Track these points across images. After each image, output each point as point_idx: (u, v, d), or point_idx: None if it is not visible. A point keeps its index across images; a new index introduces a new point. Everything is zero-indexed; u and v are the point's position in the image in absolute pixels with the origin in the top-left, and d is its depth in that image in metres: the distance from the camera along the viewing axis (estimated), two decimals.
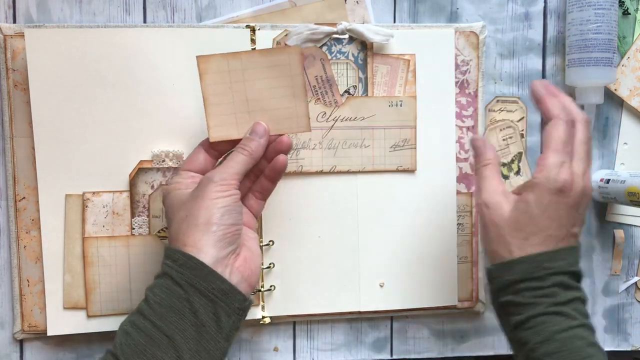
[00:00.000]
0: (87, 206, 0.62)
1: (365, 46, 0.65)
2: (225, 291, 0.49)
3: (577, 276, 0.54)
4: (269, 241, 0.65)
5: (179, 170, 0.56)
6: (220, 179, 0.52)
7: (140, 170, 0.63)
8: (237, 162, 0.54)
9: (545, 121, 0.56)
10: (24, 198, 0.63)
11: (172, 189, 0.55)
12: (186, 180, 0.55)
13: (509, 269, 0.53)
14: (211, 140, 0.56)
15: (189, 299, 0.48)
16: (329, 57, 0.65)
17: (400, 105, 0.66)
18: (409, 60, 0.66)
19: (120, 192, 0.63)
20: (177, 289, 0.49)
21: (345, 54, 0.65)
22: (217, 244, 0.50)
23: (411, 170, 0.67)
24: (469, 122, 0.68)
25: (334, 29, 0.65)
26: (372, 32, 0.64)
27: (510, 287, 0.53)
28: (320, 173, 0.66)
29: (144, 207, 0.63)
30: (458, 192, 0.68)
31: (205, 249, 0.50)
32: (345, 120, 0.65)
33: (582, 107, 0.69)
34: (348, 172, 0.66)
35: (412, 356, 0.70)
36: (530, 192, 0.53)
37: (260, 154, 0.56)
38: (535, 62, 0.70)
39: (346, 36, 0.65)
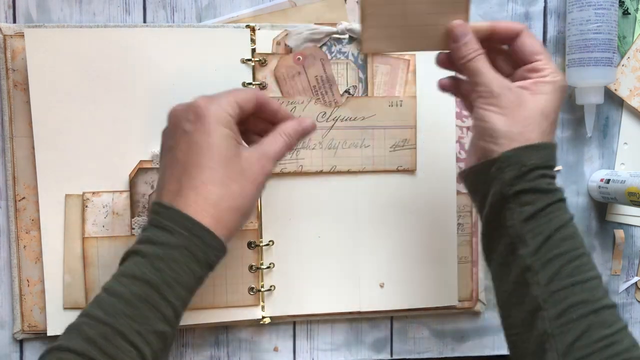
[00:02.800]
0: (87, 206, 0.62)
1: None
2: (223, 256, 0.50)
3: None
4: (269, 241, 0.65)
5: (231, 98, 0.51)
6: (273, 164, 0.51)
7: (140, 170, 0.63)
8: (281, 149, 0.53)
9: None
10: (24, 198, 0.63)
11: (223, 119, 0.50)
12: (235, 112, 0.51)
13: (533, 153, 0.50)
14: (363, 52, 0.57)
15: (202, 277, 0.49)
16: (329, 57, 0.65)
17: (400, 105, 0.66)
18: (409, 60, 0.66)
19: (120, 192, 0.63)
20: (196, 268, 0.48)
21: (345, 54, 0.65)
22: (236, 231, 0.51)
23: (411, 171, 0.67)
24: (469, 122, 0.68)
25: (334, 29, 0.65)
26: None
27: (530, 173, 0.49)
28: (321, 173, 0.66)
29: (144, 207, 0.63)
30: (458, 192, 0.68)
31: (228, 232, 0.49)
32: (346, 120, 0.65)
33: (582, 107, 0.69)
34: (348, 172, 0.66)
35: (412, 356, 0.70)
36: (540, 84, 0.51)
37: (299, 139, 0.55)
38: None
39: (346, 36, 0.65)
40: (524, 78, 0.53)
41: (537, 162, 0.50)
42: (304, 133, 0.55)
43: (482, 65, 0.52)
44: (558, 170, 0.70)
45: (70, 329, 0.46)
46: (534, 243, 0.49)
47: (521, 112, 0.50)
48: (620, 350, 0.46)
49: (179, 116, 0.50)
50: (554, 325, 0.47)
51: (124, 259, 0.48)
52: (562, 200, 0.50)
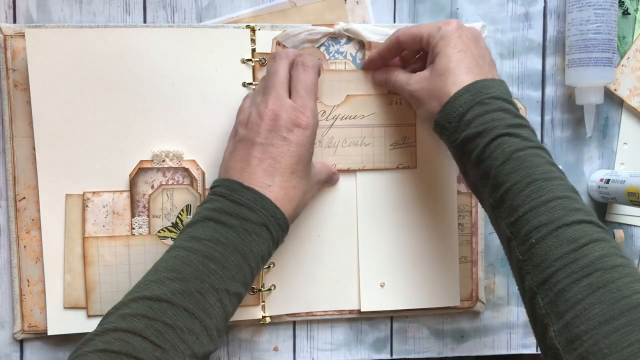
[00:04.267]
0: (87, 206, 0.62)
1: (363, 46, 0.66)
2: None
3: (516, 108, 0.55)
4: None
5: (314, 107, 0.58)
6: (312, 127, 0.58)
7: (140, 170, 0.63)
8: (324, 178, 0.65)
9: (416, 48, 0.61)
10: (24, 198, 0.63)
11: (314, 138, 0.59)
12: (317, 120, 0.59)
13: (453, 105, 0.54)
14: None
15: (271, 254, 0.56)
16: (327, 57, 0.65)
17: (400, 104, 0.66)
18: None
19: (121, 192, 0.63)
20: (271, 245, 0.55)
21: (344, 54, 0.65)
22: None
23: (411, 168, 0.67)
24: None
25: (331, 30, 0.65)
26: (369, 31, 0.65)
27: (461, 122, 0.53)
28: None
29: (144, 207, 0.63)
30: (458, 192, 0.68)
31: (291, 221, 0.57)
32: (345, 118, 0.65)
33: (582, 107, 0.69)
34: (348, 171, 0.66)
35: (412, 356, 0.70)
36: (436, 48, 0.57)
37: None
38: (535, 62, 0.70)
39: (344, 36, 0.65)
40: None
41: (458, 110, 0.54)
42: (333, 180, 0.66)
43: (399, 79, 0.61)
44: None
45: (156, 271, 0.50)
46: (488, 186, 0.52)
47: (433, 84, 0.56)
48: (587, 263, 0.45)
49: (283, 119, 0.55)
50: (521, 251, 0.48)
51: (191, 223, 0.53)
52: (502, 135, 0.52)
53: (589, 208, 0.49)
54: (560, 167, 0.52)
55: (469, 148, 0.53)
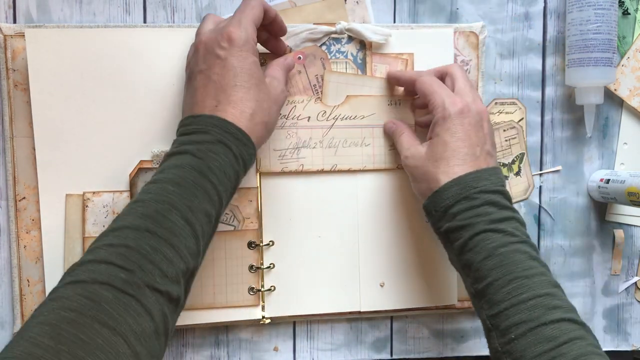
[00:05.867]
0: (87, 206, 0.62)
1: (364, 45, 0.66)
2: (253, 161, 0.57)
3: (507, 197, 0.56)
4: (269, 241, 0.65)
5: (250, 21, 0.56)
6: (285, 89, 0.60)
7: (140, 170, 0.63)
8: (284, 76, 0.60)
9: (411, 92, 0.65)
10: (24, 198, 0.63)
11: (251, 47, 0.55)
12: (255, 34, 0.57)
13: (441, 196, 0.55)
14: None
15: (238, 173, 0.54)
16: (329, 56, 0.65)
17: (399, 104, 0.66)
18: (407, 60, 0.66)
19: (121, 192, 0.63)
20: (233, 160, 0.53)
21: (345, 54, 0.65)
22: (262, 143, 0.58)
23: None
24: None
25: (333, 29, 0.65)
26: (370, 31, 0.65)
27: (446, 213, 0.55)
28: (321, 172, 0.66)
29: None
30: None
31: (257, 141, 0.55)
32: (346, 119, 0.65)
33: (582, 107, 0.69)
34: (349, 171, 0.66)
35: (412, 356, 0.70)
36: (437, 127, 0.57)
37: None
38: (535, 62, 0.70)
39: (345, 36, 0.65)
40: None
41: (445, 202, 0.55)
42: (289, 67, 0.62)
43: (401, 142, 0.62)
44: (557, 171, 0.70)
45: (118, 216, 0.49)
46: (469, 276, 0.54)
47: (427, 167, 0.58)
48: None
49: (211, 42, 0.55)
50: (500, 343, 0.50)
51: (159, 172, 0.52)
52: (484, 232, 0.53)
53: (568, 303, 0.51)
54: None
55: (453, 237, 0.55)
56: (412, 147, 0.60)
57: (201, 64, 0.55)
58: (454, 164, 0.56)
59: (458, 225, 0.54)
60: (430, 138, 0.58)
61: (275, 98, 0.58)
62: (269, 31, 0.61)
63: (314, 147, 0.65)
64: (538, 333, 0.48)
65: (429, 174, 0.57)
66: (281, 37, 0.63)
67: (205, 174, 0.50)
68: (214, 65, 0.54)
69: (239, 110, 0.54)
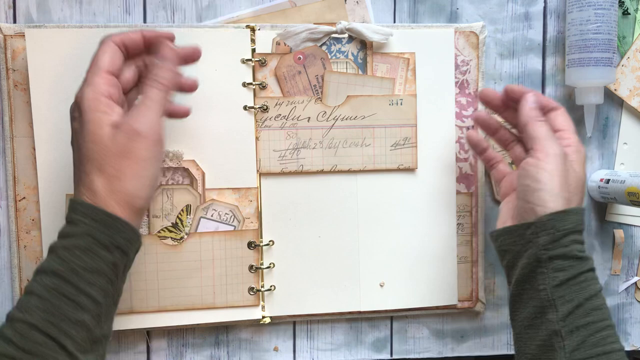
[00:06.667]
0: None
1: (364, 45, 0.66)
2: (137, 241, 0.51)
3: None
4: (269, 241, 0.65)
5: (98, 71, 0.50)
6: (151, 132, 0.49)
7: None
8: (158, 104, 0.51)
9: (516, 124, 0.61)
10: (24, 198, 0.63)
11: (95, 106, 0.49)
12: (109, 89, 0.50)
13: (565, 219, 0.52)
14: None
15: (115, 262, 0.48)
16: (329, 56, 0.65)
17: (401, 104, 0.66)
18: (408, 59, 0.66)
19: None
20: (103, 252, 0.48)
21: (345, 53, 0.65)
22: (139, 216, 0.51)
23: (412, 169, 0.67)
24: (469, 122, 0.68)
25: (333, 29, 0.65)
26: (371, 31, 0.65)
27: (564, 238, 0.52)
28: (321, 172, 0.66)
29: None
30: (458, 192, 0.68)
31: (134, 212, 0.49)
32: (346, 119, 0.65)
33: (582, 107, 0.69)
34: (349, 172, 0.66)
35: (412, 356, 0.70)
36: (582, 156, 0.56)
37: (176, 84, 0.53)
38: (535, 62, 0.70)
39: (345, 35, 0.65)
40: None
41: (570, 226, 0.52)
42: (173, 83, 0.53)
43: (543, 130, 0.55)
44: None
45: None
46: (564, 309, 0.51)
47: (570, 178, 0.54)
48: None
49: (70, 115, 0.51)
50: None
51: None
52: (593, 269, 0.52)
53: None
54: None
55: (559, 266, 0.52)
56: (555, 145, 0.56)
57: (71, 134, 0.51)
58: (576, 199, 0.54)
59: (573, 255, 0.52)
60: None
61: (138, 154, 0.49)
62: (155, 50, 0.54)
63: (313, 148, 0.65)
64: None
65: (555, 192, 0.53)
66: (280, 40, 0.63)
67: (70, 280, 0.46)
68: (75, 139, 0.50)
69: (100, 186, 0.48)
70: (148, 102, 0.51)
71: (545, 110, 0.59)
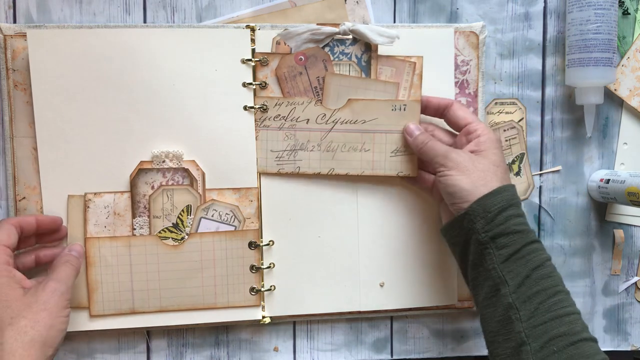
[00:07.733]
0: (88, 207, 0.62)
1: (369, 47, 0.64)
2: None
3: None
4: (269, 241, 0.66)
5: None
6: (66, 288, 0.55)
7: (140, 171, 0.63)
8: (70, 276, 0.57)
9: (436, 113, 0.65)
10: (24, 198, 0.63)
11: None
12: (8, 259, 0.54)
13: (494, 198, 0.56)
14: None
15: None
16: (332, 58, 0.64)
17: (404, 110, 0.65)
18: (415, 63, 0.65)
19: (122, 192, 0.63)
20: None
21: (348, 55, 0.65)
22: None
23: (412, 177, 0.66)
24: None
25: (336, 30, 0.64)
26: (375, 33, 0.63)
27: (498, 216, 0.55)
28: (318, 175, 0.66)
29: (144, 207, 0.63)
30: None
31: None
32: (346, 123, 0.65)
33: (582, 107, 0.69)
34: (346, 176, 0.66)
35: (412, 356, 0.70)
36: (489, 143, 0.59)
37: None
38: (535, 62, 0.70)
39: (350, 37, 0.64)
40: (466, 142, 0.61)
41: (500, 205, 0.56)
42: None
43: (435, 145, 0.61)
44: (557, 171, 0.70)
45: None
46: (514, 282, 0.54)
47: (477, 168, 0.58)
48: None
49: None
50: (537, 358, 0.51)
51: None
52: (537, 241, 0.56)
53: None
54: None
55: (501, 243, 0.55)
56: (450, 149, 0.60)
57: None
58: (499, 178, 0.58)
59: (511, 231, 0.55)
60: (473, 151, 0.60)
61: (46, 335, 0.52)
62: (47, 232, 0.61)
63: (311, 150, 0.65)
64: (579, 347, 0.51)
65: (484, 176, 0.58)
66: (280, 39, 0.63)
67: None
68: None
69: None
70: (66, 272, 0.57)
71: (441, 110, 0.64)
